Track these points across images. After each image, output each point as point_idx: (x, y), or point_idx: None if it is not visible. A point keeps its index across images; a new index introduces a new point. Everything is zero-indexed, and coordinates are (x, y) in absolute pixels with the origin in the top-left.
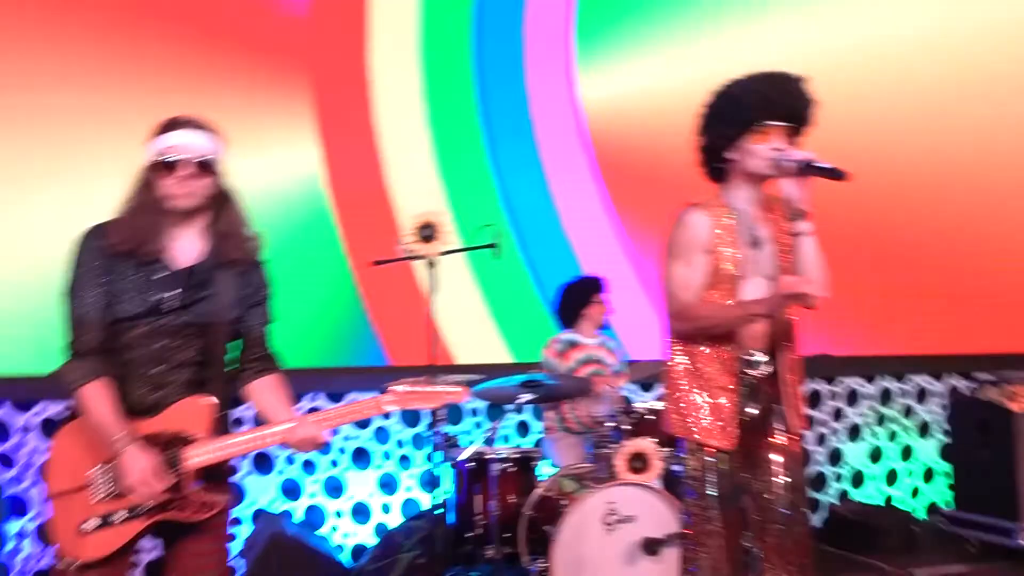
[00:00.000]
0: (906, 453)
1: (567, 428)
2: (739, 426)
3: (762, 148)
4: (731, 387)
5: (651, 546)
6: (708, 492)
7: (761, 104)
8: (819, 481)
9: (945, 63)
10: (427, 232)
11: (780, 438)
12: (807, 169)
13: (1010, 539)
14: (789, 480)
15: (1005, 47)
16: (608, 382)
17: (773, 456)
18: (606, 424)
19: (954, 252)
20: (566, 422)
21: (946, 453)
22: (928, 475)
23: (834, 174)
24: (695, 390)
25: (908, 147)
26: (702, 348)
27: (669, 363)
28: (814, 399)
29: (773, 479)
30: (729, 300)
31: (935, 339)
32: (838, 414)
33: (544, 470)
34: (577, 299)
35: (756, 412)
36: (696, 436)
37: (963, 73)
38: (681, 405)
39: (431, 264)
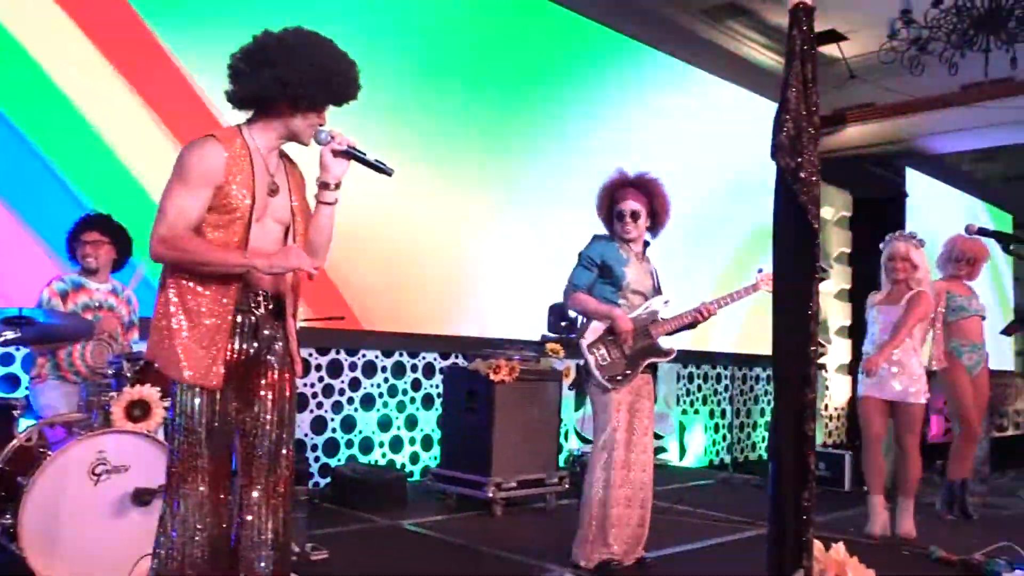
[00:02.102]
0: (411, 422)
1: (61, 376)
2: (231, 364)
3: (314, 118)
4: (222, 325)
5: (142, 496)
6: (196, 429)
7: (340, 90)
8: (331, 447)
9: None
10: None
11: (274, 377)
12: (353, 155)
13: (481, 491)
14: (278, 418)
15: None
16: (113, 329)
17: (265, 394)
18: (107, 371)
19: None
20: (61, 370)
21: (440, 421)
22: (427, 442)
23: (378, 168)
24: (185, 326)
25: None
26: (194, 284)
27: (159, 296)
28: (335, 369)
29: (263, 415)
30: (235, 238)
31: (445, 323)
32: (356, 384)
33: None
34: (71, 237)
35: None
36: (185, 374)
37: None
38: (169, 341)
39: None
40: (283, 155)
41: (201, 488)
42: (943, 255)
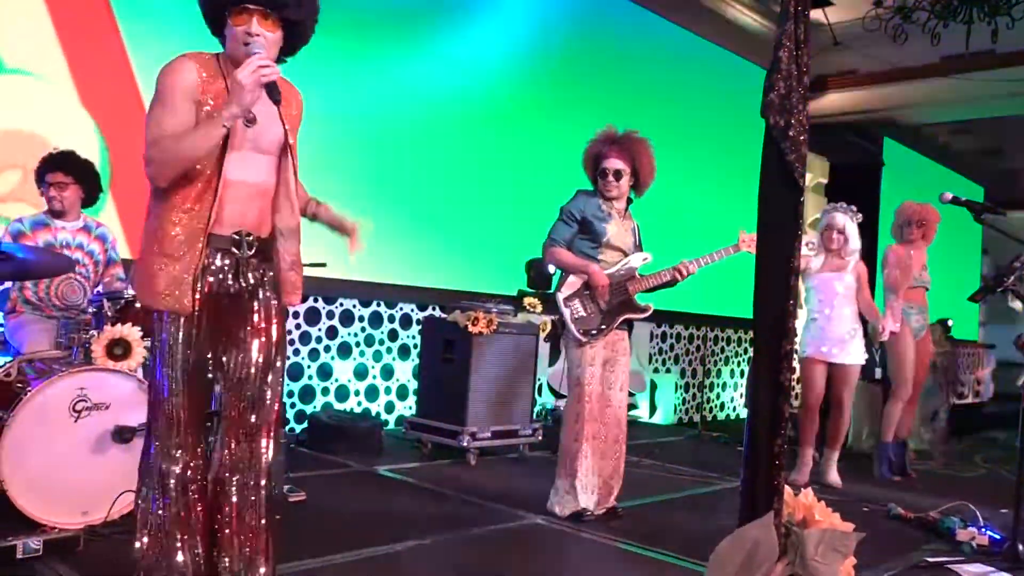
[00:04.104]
0: (387, 372)
1: (37, 311)
2: (209, 298)
3: (239, 32)
4: (196, 252)
5: (123, 434)
6: (176, 361)
7: None
8: (307, 394)
9: None
10: None
11: (259, 323)
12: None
13: (456, 440)
14: (263, 362)
15: None
16: (84, 273)
17: (251, 339)
18: (88, 309)
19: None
20: (37, 307)
21: (416, 370)
22: (402, 391)
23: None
24: (161, 255)
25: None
26: (173, 212)
27: (144, 225)
28: (312, 316)
29: (248, 359)
30: (208, 169)
31: (423, 274)
32: (333, 332)
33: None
34: (38, 176)
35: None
36: (161, 301)
37: None
38: (147, 268)
39: None
40: (271, 97)
41: (181, 424)
42: (896, 222)
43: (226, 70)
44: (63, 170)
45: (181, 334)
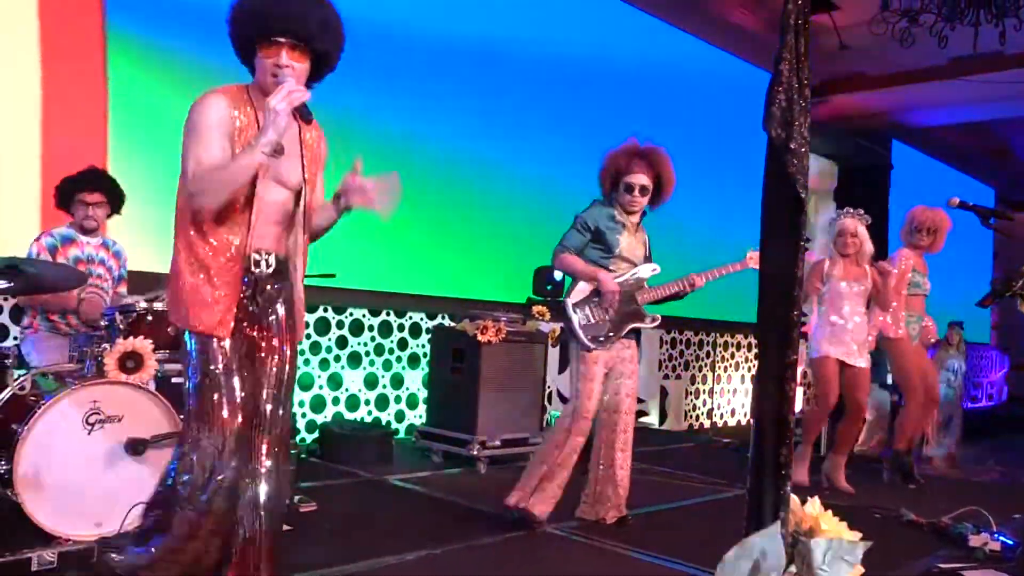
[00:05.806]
0: (397, 381)
1: (54, 328)
2: (238, 319)
3: (268, 63)
4: (229, 278)
5: (136, 446)
6: (215, 374)
7: (255, 17)
8: (318, 404)
9: None
10: None
11: (274, 342)
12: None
13: (466, 449)
14: (277, 380)
15: None
16: (104, 288)
17: (267, 357)
18: (100, 323)
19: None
20: (54, 324)
21: (426, 380)
22: (412, 400)
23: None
24: (197, 278)
25: None
26: (205, 237)
27: (174, 252)
28: (322, 326)
29: (264, 377)
30: (241, 196)
31: (432, 283)
32: (343, 342)
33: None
34: (67, 193)
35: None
36: (198, 325)
37: None
38: (182, 293)
39: None
40: (302, 117)
41: (218, 437)
42: (905, 227)
43: (256, 101)
44: (100, 189)
45: (217, 345)
